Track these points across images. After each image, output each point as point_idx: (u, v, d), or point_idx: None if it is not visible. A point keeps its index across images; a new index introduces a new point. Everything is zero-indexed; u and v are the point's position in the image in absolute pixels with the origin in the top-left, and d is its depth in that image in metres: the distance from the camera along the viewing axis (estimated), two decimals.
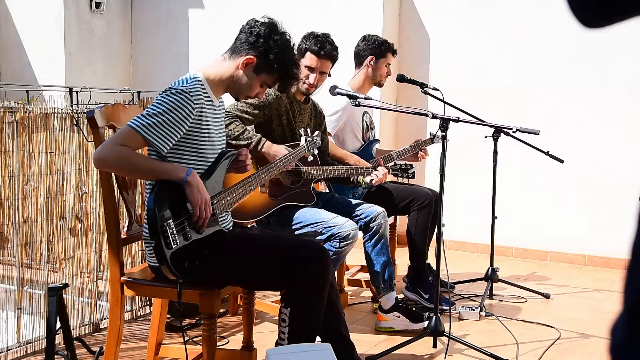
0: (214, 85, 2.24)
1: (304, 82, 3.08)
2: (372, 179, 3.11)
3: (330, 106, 3.50)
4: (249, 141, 2.82)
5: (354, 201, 3.23)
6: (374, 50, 3.63)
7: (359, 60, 3.69)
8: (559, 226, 4.84)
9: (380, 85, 3.75)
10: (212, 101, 2.22)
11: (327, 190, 3.59)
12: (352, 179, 3.16)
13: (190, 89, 2.11)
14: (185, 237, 2.07)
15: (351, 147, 3.60)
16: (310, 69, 3.08)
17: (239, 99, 2.35)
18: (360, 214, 3.14)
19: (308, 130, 2.88)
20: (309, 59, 3.08)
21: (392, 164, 3.25)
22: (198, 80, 2.17)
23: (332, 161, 3.29)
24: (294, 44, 2.29)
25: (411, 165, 3.20)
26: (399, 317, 3.16)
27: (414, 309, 3.28)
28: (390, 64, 3.70)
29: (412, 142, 3.80)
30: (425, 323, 2.98)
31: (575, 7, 0.75)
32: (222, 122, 2.36)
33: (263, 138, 2.86)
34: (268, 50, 2.21)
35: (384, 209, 3.17)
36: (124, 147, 2.02)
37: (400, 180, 3.40)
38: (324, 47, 3.07)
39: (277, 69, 2.23)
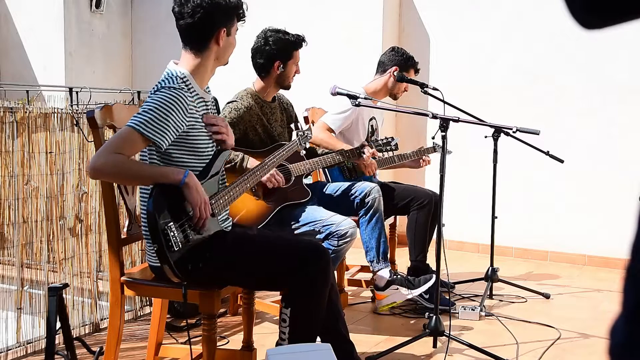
0: (199, 79, 2.23)
1: (293, 77, 3.14)
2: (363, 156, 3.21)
3: (338, 104, 3.50)
4: (233, 162, 2.83)
5: (347, 183, 3.30)
6: (400, 62, 3.67)
7: (382, 67, 3.73)
8: (559, 226, 4.84)
9: (395, 97, 3.79)
10: (201, 97, 2.23)
11: (324, 178, 3.61)
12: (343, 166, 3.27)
13: (181, 86, 2.12)
14: (187, 239, 2.07)
15: None
16: (297, 62, 3.14)
17: (227, 62, 2.34)
18: (355, 192, 3.23)
19: (299, 125, 2.91)
20: (297, 56, 3.12)
21: (373, 139, 3.34)
22: (185, 78, 2.18)
23: (314, 150, 3.32)
24: None
25: (392, 137, 3.31)
26: (397, 289, 3.17)
27: (408, 277, 3.30)
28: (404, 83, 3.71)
29: (416, 149, 3.83)
30: (427, 284, 3.04)
31: (574, 9, 0.75)
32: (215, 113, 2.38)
33: (246, 156, 2.87)
34: (225, 11, 2.20)
35: (376, 184, 3.29)
36: (118, 154, 2.00)
37: (386, 154, 3.47)
38: (301, 39, 3.12)
39: (233, 13, 2.25)
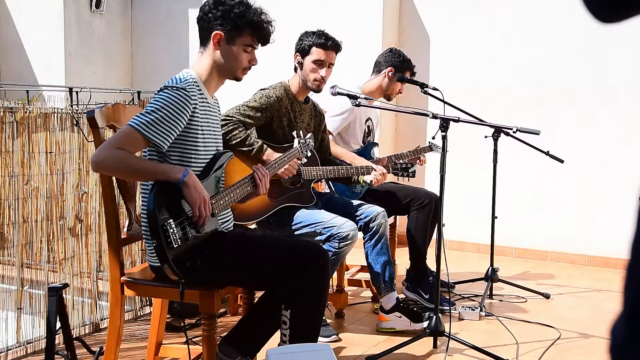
0: (206, 81, 2.25)
1: (315, 80, 3.05)
2: (372, 180, 3.11)
3: (335, 106, 3.49)
4: (251, 147, 2.82)
5: (354, 202, 3.22)
6: (396, 63, 3.66)
7: (378, 68, 3.71)
8: (559, 226, 4.84)
9: (389, 98, 3.76)
10: (206, 99, 2.23)
11: (328, 190, 3.59)
12: (352, 178, 3.16)
13: (186, 85, 2.13)
14: (186, 237, 2.07)
15: (350, 149, 3.60)
16: (320, 63, 3.04)
17: (238, 76, 2.30)
18: (360, 214, 3.13)
19: (301, 132, 2.87)
20: (316, 54, 3.04)
21: (392, 163, 3.25)
22: (192, 79, 2.19)
23: (334, 160, 3.29)
24: None
25: (412, 164, 3.20)
26: (400, 317, 3.15)
27: (415, 309, 3.28)
28: (404, 83, 3.69)
29: (413, 148, 3.82)
30: (426, 323, 2.98)
31: (590, 2, 0.74)
32: (218, 120, 2.37)
33: (265, 145, 2.86)
34: (224, 16, 2.20)
35: (383, 209, 3.17)
36: (121, 149, 2.02)
37: (400, 180, 3.39)
38: (329, 39, 3.06)
39: (244, 25, 2.22)
